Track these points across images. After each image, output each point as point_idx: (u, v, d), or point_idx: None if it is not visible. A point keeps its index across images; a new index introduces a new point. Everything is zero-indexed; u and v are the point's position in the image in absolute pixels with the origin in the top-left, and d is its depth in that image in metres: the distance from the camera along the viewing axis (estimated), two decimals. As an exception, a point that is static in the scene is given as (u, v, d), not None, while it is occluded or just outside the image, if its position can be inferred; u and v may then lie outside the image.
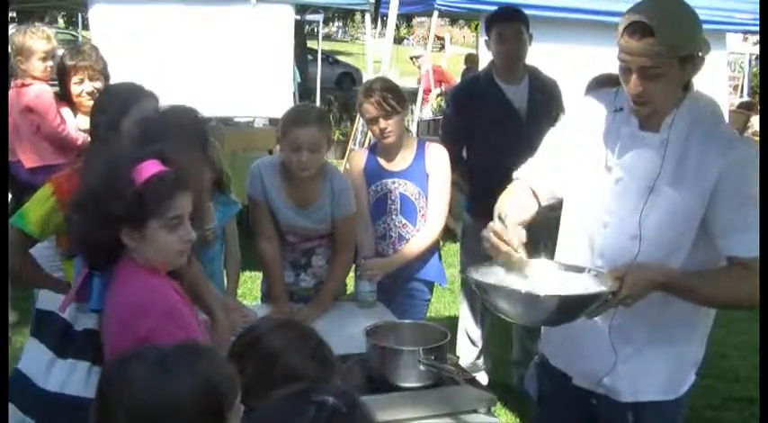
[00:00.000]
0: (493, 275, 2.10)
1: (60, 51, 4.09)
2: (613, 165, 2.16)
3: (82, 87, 3.73)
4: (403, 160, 3.40)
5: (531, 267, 2.14)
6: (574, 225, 2.30)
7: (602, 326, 2.16)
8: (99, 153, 2.22)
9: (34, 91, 3.95)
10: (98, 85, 3.71)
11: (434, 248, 3.52)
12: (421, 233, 3.41)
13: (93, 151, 2.52)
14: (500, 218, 2.13)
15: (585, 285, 2.06)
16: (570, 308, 2.00)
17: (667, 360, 2.21)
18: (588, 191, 2.23)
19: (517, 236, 2.11)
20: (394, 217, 3.40)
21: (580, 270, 2.13)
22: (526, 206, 2.31)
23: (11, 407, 2.13)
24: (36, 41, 3.96)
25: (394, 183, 3.38)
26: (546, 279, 2.10)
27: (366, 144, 8.16)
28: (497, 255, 2.12)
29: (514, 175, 2.46)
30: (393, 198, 3.38)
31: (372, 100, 3.27)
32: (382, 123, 3.28)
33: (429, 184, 3.38)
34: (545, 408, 2.51)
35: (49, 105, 3.88)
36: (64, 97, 3.87)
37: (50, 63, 3.95)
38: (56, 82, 3.97)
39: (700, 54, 2.03)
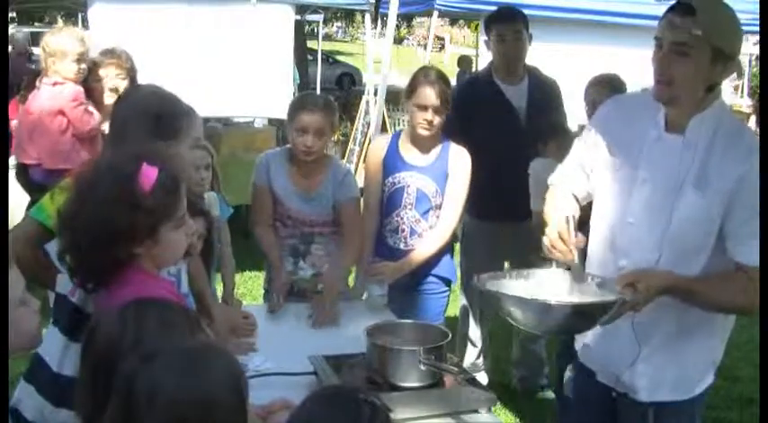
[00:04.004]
0: (503, 285, 2.14)
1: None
2: (639, 166, 2.19)
3: (113, 82, 3.71)
4: (426, 156, 3.36)
5: (540, 275, 2.19)
6: (600, 226, 2.34)
7: (625, 324, 2.18)
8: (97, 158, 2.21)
9: (70, 93, 3.96)
10: (125, 84, 3.71)
11: (448, 246, 3.49)
12: (432, 236, 3.37)
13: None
14: (566, 221, 2.18)
15: (591, 294, 2.10)
16: (586, 316, 2.04)
17: (686, 359, 2.24)
18: (614, 192, 2.27)
19: (578, 239, 2.17)
20: (408, 211, 3.36)
21: (584, 278, 2.17)
22: (575, 208, 2.37)
23: (29, 389, 2.14)
24: (71, 43, 3.96)
25: (412, 177, 3.34)
26: (550, 289, 2.13)
27: (366, 144, 8.16)
28: (555, 255, 2.18)
29: (549, 181, 2.51)
30: (410, 192, 3.34)
31: (437, 88, 3.24)
32: (432, 115, 3.24)
33: (447, 186, 3.35)
34: (576, 406, 2.58)
35: (83, 108, 3.93)
36: (90, 97, 3.89)
37: (83, 65, 3.96)
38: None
39: (734, 58, 2.07)
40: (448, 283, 3.51)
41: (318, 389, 1.38)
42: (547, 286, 2.15)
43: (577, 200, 2.42)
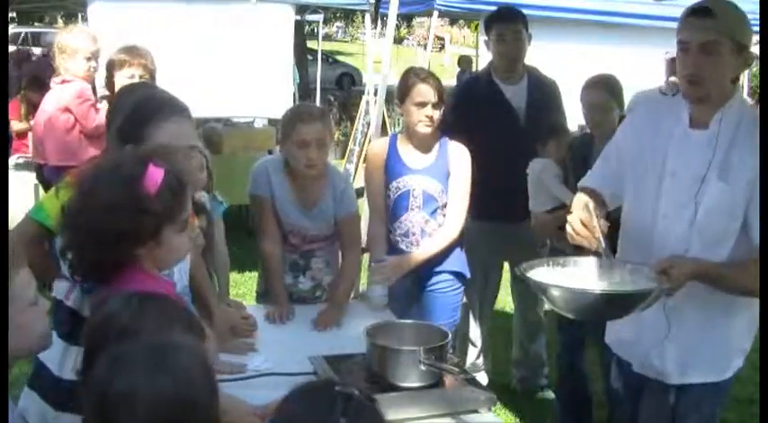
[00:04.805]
0: (545, 274, 2.27)
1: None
2: (667, 162, 2.32)
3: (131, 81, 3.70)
4: (427, 156, 3.36)
5: (576, 263, 2.32)
6: (633, 221, 2.45)
7: (655, 306, 2.26)
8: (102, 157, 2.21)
9: (75, 90, 3.98)
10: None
11: (459, 241, 3.46)
12: (439, 235, 3.36)
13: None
14: (586, 207, 2.31)
15: (626, 281, 2.23)
16: (625, 304, 2.17)
17: (714, 343, 2.34)
18: (643, 189, 2.38)
19: (600, 224, 2.29)
20: (416, 213, 3.34)
21: (617, 265, 2.29)
22: (597, 202, 2.46)
23: (33, 395, 2.14)
24: (83, 41, 3.99)
25: (416, 179, 3.33)
26: (587, 275, 2.26)
27: (366, 144, 8.15)
28: (579, 241, 2.30)
29: (579, 184, 2.62)
30: (416, 195, 3.33)
31: (431, 83, 3.25)
32: (431, 111, 3.24)
33: (450, 184, 3.34)
34: (622, 402, 2.68)
35: (88, 104, 3.94)
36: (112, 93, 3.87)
37: (94, 64, 3.97)
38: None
39: (750, 50, 2.22)
40: (461, 277, 3.49)
41: (297, 385, 1.37)
42: (583, 273, 2.27)
43: (605, 202, 2.51)
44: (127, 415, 1.28)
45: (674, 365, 2.37)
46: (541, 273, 2.27)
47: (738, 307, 2.33)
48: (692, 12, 2.21)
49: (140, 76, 3.62)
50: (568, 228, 2.34)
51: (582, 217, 2.31)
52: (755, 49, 2.33)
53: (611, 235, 2.43)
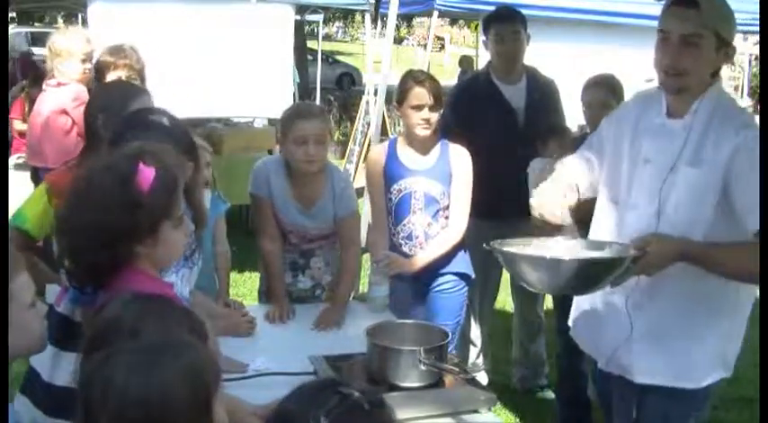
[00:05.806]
0: (517, 247, 2.23)
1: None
2: (643, 150, 2.29)
3: None
4: (427, 159, 3.36)
5: (547, 243, 2.27)
6: (608, 208, 2.42)
7: (619, 303, 2.24)
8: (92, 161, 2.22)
9: (72, 92, 3.97)
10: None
11: (461, 243, 3.46)
12: (442, 237, 3.35)
13: (90, 154, 2.49)
14: (560, 180, 2.31)
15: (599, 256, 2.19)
16: (595, 272, 2.10)
17: (685, 345, 2.24)
18: (619, 174, 2.36)
19: (567, 200, 2.30)
20: (419, 216, 3.34)
21: (601, 246, 2.24)
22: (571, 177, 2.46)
23: (25, 401, 2.14)
24: (76, 43, 3.97)
25: (417, 181, 3.33)
26: (569, 252, 2.20)
27: (366, 144, 8.16)
28: (544, 215, 2.29)
29: (556, 165, 2.56)
30: (417, 197, 3.33)
31: (428, 86, 3.25)
32: (428, 113, 3.24)
33: (452, 186, 3.34)
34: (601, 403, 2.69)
35: (84, 105, 3.94)
36: None
37: (89, 65, 3.96)
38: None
39: (732, 45, 2.18)
40: (466, 278, 3.49)
41: (298, 384, 1.37)
42: (555, 250, 2.22)
43: (578, 190, 2.46)
44: (123, 413, 1.28)
45: (639, 363, 2.28)
46: (517, 248, 2.24)
47: (719, 309, 2.23)
48: (676, 2, 2.15)
49: (127, 77, 3.63)
50: (532, 201, 2.30)
51: (548, 192, 2.28)
52: (740, 45, 2.32)
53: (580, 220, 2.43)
